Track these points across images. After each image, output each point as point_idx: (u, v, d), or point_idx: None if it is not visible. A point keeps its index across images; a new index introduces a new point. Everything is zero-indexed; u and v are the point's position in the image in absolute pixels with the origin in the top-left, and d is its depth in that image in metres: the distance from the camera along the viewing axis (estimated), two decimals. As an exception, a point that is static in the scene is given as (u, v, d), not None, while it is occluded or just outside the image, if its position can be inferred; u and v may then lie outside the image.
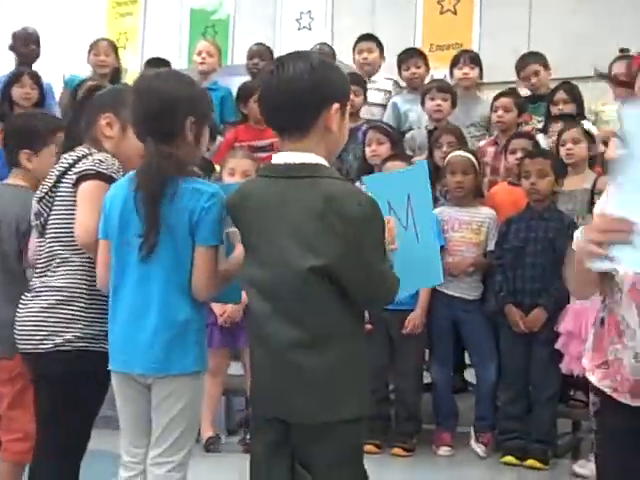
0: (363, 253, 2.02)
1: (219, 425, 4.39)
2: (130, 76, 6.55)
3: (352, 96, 4.97)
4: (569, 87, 5.09)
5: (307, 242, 2.01)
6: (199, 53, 6.13)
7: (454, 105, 5.17)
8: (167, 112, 2.30)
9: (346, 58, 6.07)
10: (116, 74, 5.95)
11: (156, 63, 5.73)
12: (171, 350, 2.27)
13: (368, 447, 4.16)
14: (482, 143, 5.11)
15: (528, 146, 4.60)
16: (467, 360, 4.70)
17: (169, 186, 2.26)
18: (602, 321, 1.89)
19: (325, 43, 6.24)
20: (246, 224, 2.14)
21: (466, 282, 4.34)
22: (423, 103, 5.20)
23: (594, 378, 1.90)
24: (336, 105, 2.10)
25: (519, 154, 4.52)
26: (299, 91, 2.06)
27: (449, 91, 5.18)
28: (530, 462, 4.01)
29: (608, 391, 1.87)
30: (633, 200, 1.67)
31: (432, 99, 5.12)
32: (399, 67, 5.72)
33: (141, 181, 2.29)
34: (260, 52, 6.16)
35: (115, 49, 6.13)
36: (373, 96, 5.71)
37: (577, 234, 1.88)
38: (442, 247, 4.30)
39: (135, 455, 2.36)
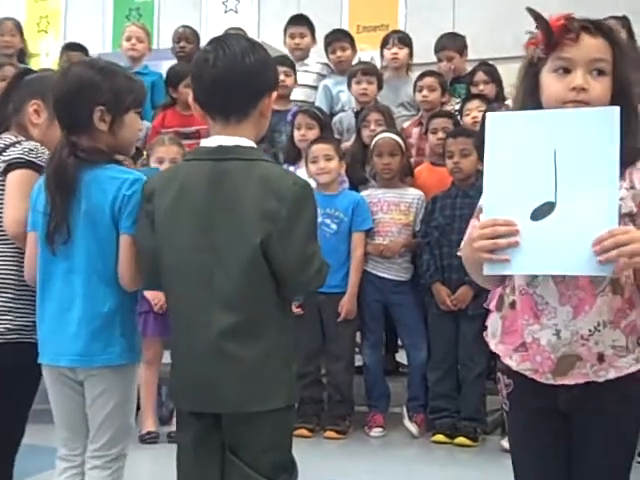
0: (295, 232, 2.01)
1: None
2: (53, 62, 6.41)
3: (283, 77, 5.08)
4: (488, 68, 5.15)
5: (244, 225, 2.00)
6: (128, 39, 5.94)
7: (380, 88, 5.20)
8: (71, 102, 2.28)
9: (273, 41, 6.03)
10: (22, 55, 5.80)
11: (73, 48, 5.63)
12: (95, 342, 2.24)
13: (300, 431, 4.18)
14: (407, 124, 5.13)
15: (449, 125, 4.65)
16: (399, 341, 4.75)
17: (75, 176, 2.22)
18: (513, 304, 1.90)
19: (239, 28, 6.16)
20: (168, 209, 2.08)
21: (397, 263, 4.38)
22: (350, 86, 5.21)
23: (513, 363, 1.89)
24: (275, 93, 2.13)
25: (440, 134, 4.58)
26: (243, 76, 2.05)
27: (374, 74, 5.20)
28: (460, 440, 4.07)
29: (529, 374, 1.86)
30: (506, 202, 1.74)
31: (358, 82, 5.14)
32: (326, 49, 5.70)
33: (46, 173, 2.27)
34: (186, 35, 6.06)
35: (20, 30, 5.96)
36: (305, 78, 5.69)
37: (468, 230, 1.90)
38: (370, 229, 4.35)
39: (73, 449, 2.35)
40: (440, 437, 4.13)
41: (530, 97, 1.86)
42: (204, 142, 2.13)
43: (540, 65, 1.85)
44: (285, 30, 5.87)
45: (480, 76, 5.10)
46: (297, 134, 4.81)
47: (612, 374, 1.81)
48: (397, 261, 4.37)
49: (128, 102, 2.34)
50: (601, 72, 1.81)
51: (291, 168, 4.61)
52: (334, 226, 4.32)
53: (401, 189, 4.47)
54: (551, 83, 1.83)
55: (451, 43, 5.49)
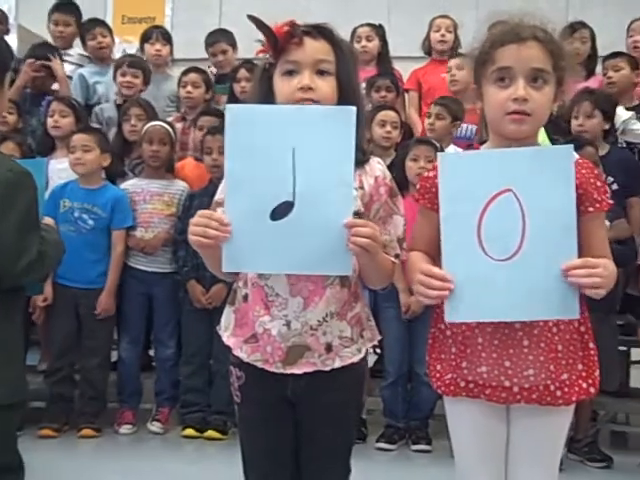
0: (5, 222, 1.93)
1: None
2: None
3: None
4: (250, 66, 5.19)
5: None
6: None
7: (146, 82, 5.13)
8: None
9: (33, 25, 5.79)
10: None
11: None
12: None
13: (45, 431, 4.06)
14: (170, 119, 5.09)
15: (215, 123, 4.65)
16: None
17: None
18: (245, 297, 1.94)
19: (-2, 8, 5.88)
20: None
21: (159, 255, 4.33)
22: (115, 78, 5.11)
23: (243, 354, 1.94)
24: None
25: (206, 130, 4.56)
26: None
27: (141, 67, 5.13)
28: (209, 433, 4.11)
29: (259, 364, 1.91)
30: (247, 202, 1.77)
31: (123, 75, 5.06)
32: (82, 38, 5.54)
33: None
34: None
35: None
36: (66, 69, 5.47)
37: None
38: (131, 227, 4.28)
39: None
40: (190, 431, 4.14)
41: (265, 101, 1.91)
42: None
43: (272, 70, 1.92)
44: (49, 15, 5.61)
45: (243, 73, 5.12)
46: (50, 121, 4.68)
47: (338, 363, 1.90)
48: (159, 253, 4.33)
49: None
50: (325, 72, 1.90)
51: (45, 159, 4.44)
52: (91, 222, 4.22)
53: (166, 180, 4.44)
54: (281, 86, 1.90)
55: (228, 38, 5.54)
